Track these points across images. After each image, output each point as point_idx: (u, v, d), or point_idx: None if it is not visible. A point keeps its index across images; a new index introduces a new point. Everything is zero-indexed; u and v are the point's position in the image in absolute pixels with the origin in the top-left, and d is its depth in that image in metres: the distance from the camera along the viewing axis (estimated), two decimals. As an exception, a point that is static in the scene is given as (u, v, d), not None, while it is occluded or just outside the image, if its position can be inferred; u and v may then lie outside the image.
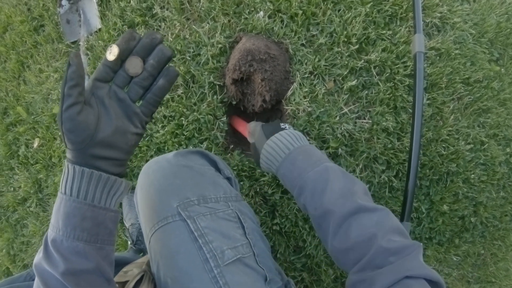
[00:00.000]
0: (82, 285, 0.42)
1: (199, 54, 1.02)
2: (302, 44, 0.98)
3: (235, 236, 0.55)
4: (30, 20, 1.33)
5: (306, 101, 0.95)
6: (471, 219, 1.10)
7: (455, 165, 1.04)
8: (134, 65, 0.43)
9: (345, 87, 0.97)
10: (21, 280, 0.69)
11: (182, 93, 1.02)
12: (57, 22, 1.29)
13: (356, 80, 0.97)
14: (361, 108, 0.99)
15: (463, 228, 1.11)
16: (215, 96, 0.99)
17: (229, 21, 1.02)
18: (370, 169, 0.99)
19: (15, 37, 1.36)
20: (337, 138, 0.96)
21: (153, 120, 1.06)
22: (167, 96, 1.03)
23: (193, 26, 1.04)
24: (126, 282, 0.57)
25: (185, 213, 0.54)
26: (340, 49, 0.97)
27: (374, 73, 0.98)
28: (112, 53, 0.42)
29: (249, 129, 0.79)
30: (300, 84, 0.97)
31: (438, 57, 1.05)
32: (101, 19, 1.18)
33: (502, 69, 1.14)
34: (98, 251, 0.44)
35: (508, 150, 1.12)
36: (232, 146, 1.03)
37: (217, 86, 1.00)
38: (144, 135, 1.06)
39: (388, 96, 0.98)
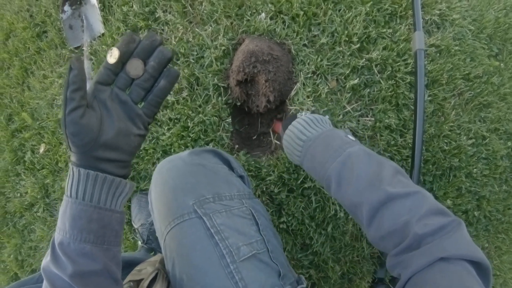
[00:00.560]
0: (90, 286, 0.42)
1: (202, 57, 1.03)
2: (304, 45, 1.00)
3: (250, 233, 0.56)
4: (32, 26, 1.34)
5: (309, 100, 0.97)
6: (475, 213, 1.11)
7: (458, 160, 1.05)
8: (135, 67, 0.44)
9: (347, 86, 0.98)
10: (33, 282, 0.69)
11: (187, 95, 1.03)
12: (59, 28, 1.30)
13: (358, 78, 0.98)
14: (364, 106, 1.01)
15: (466, 222, 1.12)
16: (219, 98, 1.01)
17: (231, 23, 1.04)
18: (374, 166, 1.00)
19: (18, 43, 1.37)
20: (341, 136, 0.97)
21: (159, 123, 1.07)
22: (172, 98, 1.04)
23: (196, 29, 1.05)
24: (140, 280, 0.58)
25: (201, 211, 0.55)
26: (341, 49, 0.99)
27: (376, 71, 1.00)
28: (113, 56, 0.42)
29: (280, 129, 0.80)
30: (303, 84, 0.98)
31: (438, 54, 1.06)
32: (104, 24, 1.19)
33: (502, 64, 1.15)
34: (105, 253, 0.44)
35: (509, 144, 1.13)
36: (237, 146, 1.04)
37: (221, 88, 1.01)
38: (148, 136, 1.08)
39: (390, 93, 0.99)
